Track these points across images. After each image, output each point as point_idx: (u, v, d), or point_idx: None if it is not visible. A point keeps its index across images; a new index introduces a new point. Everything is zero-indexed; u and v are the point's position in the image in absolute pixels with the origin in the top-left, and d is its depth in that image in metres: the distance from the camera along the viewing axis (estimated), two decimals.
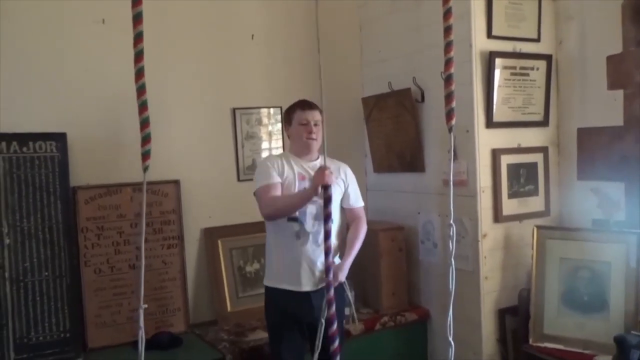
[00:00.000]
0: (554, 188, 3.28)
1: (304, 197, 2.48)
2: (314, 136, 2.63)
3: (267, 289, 2.67)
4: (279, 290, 2.60)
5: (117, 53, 2.99)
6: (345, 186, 2.74)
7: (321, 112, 2.70)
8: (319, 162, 2.68)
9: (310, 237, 2.56)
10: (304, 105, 2.69)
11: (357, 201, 2.79)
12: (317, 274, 2.55)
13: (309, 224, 2.56)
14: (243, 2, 3.54)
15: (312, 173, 2.57)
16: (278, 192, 2.58)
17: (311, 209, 2.56)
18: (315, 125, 2.65)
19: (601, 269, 2.84)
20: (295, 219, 2.56)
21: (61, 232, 2.90)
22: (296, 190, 2.58)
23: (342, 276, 2.59)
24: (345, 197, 2.74)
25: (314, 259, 2.55)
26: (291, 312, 2.58)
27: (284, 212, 2.54)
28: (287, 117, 2.74)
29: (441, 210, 3.26)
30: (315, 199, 2.50)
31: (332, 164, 2.71)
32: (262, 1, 3.59)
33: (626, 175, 2.90)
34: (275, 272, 2.63)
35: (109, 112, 3.09)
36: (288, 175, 2.61)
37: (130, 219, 3.12)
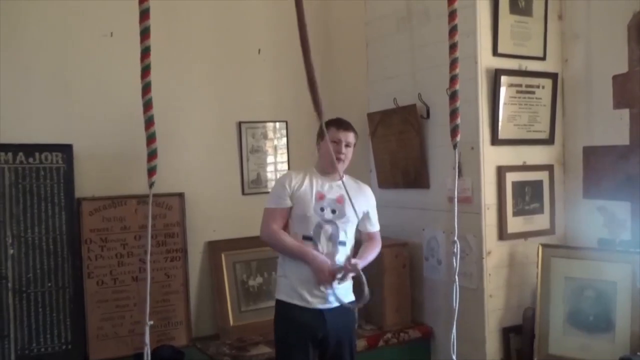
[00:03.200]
0: (560, 206, 3.27)
1: (302, 257, 2.52)
2: (342, 157, 2.63)
3: (279, 302, 2.65)
4: (291, 305, 2.58)
5: (124, 66, 3.00)
6: (366, 209, 2.74)
7: (356, 134, 2.71)
8: (341, 188, 2.67)
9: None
10: (340, 124, 2.67)
11: (374, 226, 2.80)
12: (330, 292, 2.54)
13: (324, 245, 2.57)
14: (250, 17, 3.57)
15: (334, 204, 2.60)
16: (283, 219, 2.62)
17: (326, 230, 2.58)
18: (347, 146, 2.65)
19: (607, 289, 2.82)
20: (310, 238, 2.57)
21: (65, 243, 2.91)
22: (312, 208, 2.58)
23: (359, 265, 2.55)
24: (363, 220, 2.72)
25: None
26: (303, 326, 2.55)
27: (282, 253, 2.61)
28: (321, 132, 2.73)
29: (446, 227, 3.25)
30: (330, 218, 2.57)
31: (354, 184, 2.73)
32: (268, 16, 3.62)
33: (632, 194, 2.88)
34: (288, 288, 2.61)
35: (116, 124, 3.10)
36: (306, 193, 2.60)
37: (134, 231, 3.12)
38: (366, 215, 2.74)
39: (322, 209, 2.59)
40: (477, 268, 3.05)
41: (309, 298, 2.55)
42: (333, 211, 2.60)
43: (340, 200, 2.63)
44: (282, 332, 2.64)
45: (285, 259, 2.64)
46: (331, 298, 2.55)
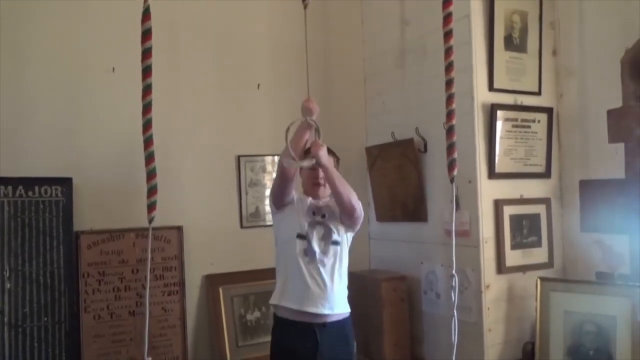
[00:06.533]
0: (557, 240, 3.27)
1: (300, 130, 2.54)
2: (320, 181, 2.66)
3: (274, 316, 2.64)
4: (284, 320, 2.56)
5: (125, 101, 3.05)
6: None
7: (335, 156, 2.73)
8: (331, 201, 2.69)
9: (317, 256, 2.56)
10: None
11: None
12: (323, 294, 2.52)
13: (315, 244, 2.57)
14: (250, 53, 3.63)
15: (324, 210, 2.64)
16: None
17: (318, 230, 2.59)
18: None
19: (606, 323, 2.80)
20: (303, 237, 2.57)
21: (62, 277, 2.90)
22: (304, 211, 2.61)
23: (318, 152, 2.47)
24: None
25: (319, 277, 2.53)
26: (295, 349, 2.52)
27: (296, 145, 2.53)
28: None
29: (444, 260, 3.24)
30: (321, 220, 2.60)
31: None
32: (268, 52, 3.68)
33: (629, 228, 2.88)
34: (282, 290, 2.59)
35: (116, 158, 3.13)
36: (300, 202, 2.65)
37: (132, 264, 3.11)
38: None
39: (313, 213, 2.62)
40: (476, 302, 3.03)
41: (300, 298, 2.52)
42: (323, 215, 2.64)
43: (331, 204, 2.67)
44: (273, 348, 2.62)
45: (280, 262, 2.63)
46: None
